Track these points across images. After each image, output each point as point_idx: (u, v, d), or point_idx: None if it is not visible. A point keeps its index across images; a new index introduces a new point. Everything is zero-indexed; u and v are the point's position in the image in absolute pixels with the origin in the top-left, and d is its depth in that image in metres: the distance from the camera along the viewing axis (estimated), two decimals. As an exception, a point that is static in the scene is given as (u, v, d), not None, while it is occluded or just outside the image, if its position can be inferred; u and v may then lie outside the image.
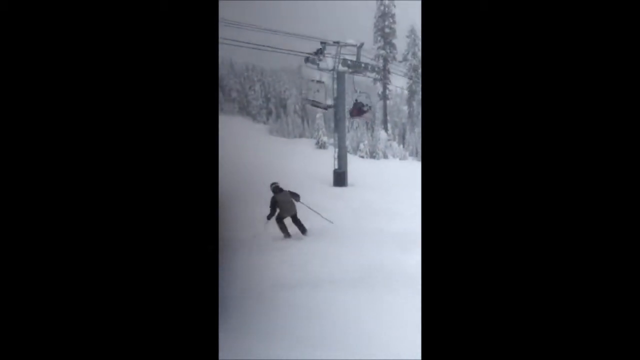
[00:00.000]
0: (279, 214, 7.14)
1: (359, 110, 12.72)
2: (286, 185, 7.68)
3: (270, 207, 7.07)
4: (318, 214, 7.46)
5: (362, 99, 12.80)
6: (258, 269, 5.32)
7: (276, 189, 7.26)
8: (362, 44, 13.61)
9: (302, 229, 7.21)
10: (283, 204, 7.11)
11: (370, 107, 13.19)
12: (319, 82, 12.69)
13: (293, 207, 7.21)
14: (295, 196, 7.34)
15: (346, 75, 13.24)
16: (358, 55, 13.35)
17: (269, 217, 7.08)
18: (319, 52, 12.61)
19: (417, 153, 18.14)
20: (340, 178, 12.78)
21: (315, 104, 12.96)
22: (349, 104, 13.23)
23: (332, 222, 7.48)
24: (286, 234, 7.18)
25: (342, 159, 12.96)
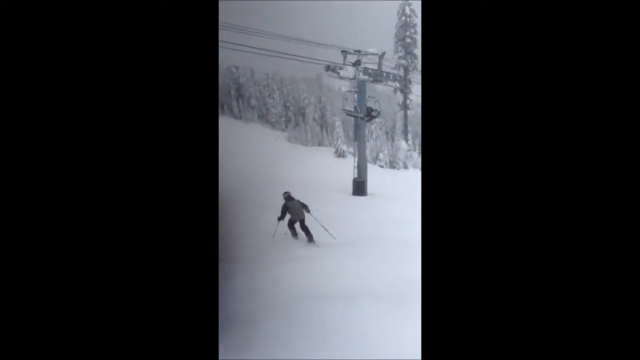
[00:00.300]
0: (290, 219, 7.90)
1: (368, 114, 12.72)
2: (305, 193, 8.14)
3: (281, 212, 7.81)
4: (324, 228, 7.76)
5: (371, 104, 12.80)
6: (278, 280, 5.22)
7: (288, 197, 7.99)
8: (383, 53, 13.56)
9: (310, 237, 7.81)
10: (293, 210, 7.84)
11: (379, 111, 13.15)
12: (356, 92, 12.71)
13: (302, 212, 7.89)
14: (305, 207, 7.95)
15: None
16: (380, 64, 13.30)
17: (279, 219, 7.82)
18: (357, 63, 12.68)
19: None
20: (359, 187, 12.65)
21: (351, 114, 12.96)
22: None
23: (334, 238, 7.73)
24: (294, 235, 7.92)
25: (361, 168, 12.84)
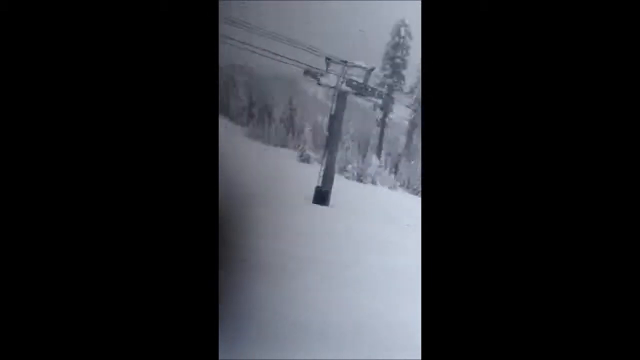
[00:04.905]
0: None
1: None
2: (263, 197, 7.70)
3: None
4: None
5: None
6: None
7: None
8: (372, 68, 13.87)
9: None
10: None
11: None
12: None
13: None
14: None
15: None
16: (366, 78, 13.56)
17: None
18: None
19: (408, 185, 18.31)
20: (321, 196, 12.64)
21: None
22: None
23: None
24: None
25: (327, 177, 12.88)
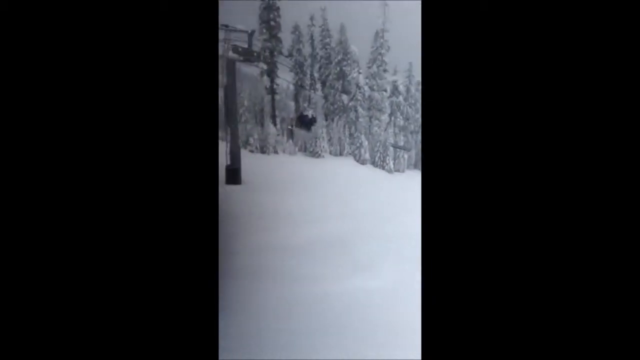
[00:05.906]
0: None
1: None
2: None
3: None
4: None
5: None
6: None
7: None
8: (253, 31, 13.50)
9: None
10: None
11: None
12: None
13: None
14: None
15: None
16: (250, 42, 13.18)
17: None
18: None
19: (305, 148, 18.71)
20: (233, 175, 12.37)
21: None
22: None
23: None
24: None
25: (235, 155, 12.58)
